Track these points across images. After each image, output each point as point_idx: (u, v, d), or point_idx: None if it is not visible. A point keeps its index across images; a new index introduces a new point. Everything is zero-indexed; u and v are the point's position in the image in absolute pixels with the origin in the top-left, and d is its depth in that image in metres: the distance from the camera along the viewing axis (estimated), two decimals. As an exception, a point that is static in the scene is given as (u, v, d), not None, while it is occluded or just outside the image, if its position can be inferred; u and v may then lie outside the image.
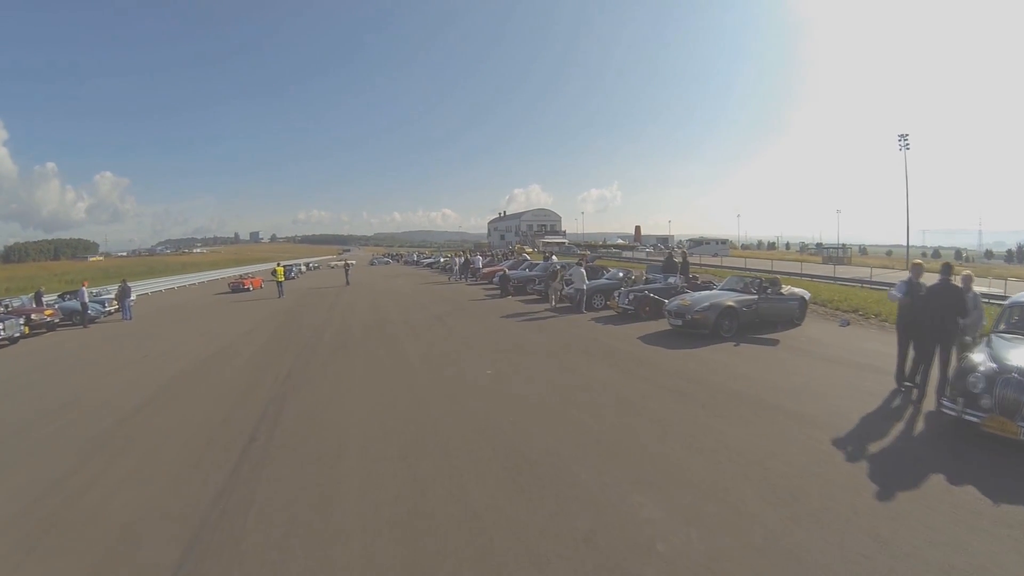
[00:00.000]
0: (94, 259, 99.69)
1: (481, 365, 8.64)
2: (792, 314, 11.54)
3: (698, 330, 10.35)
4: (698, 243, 77.87)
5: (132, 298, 20.33)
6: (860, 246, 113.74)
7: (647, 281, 15.19)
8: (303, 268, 51.20)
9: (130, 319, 19.23)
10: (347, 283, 27.99)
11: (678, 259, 16.52)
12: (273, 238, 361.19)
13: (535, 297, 17.93)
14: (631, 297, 13.06)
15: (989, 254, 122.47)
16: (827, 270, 30.82)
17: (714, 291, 11.76)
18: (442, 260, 45.45)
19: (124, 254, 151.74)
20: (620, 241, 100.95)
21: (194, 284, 40.60)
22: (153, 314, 21.01)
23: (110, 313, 20.11)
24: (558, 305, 15.39)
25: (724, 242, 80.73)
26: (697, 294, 11.63)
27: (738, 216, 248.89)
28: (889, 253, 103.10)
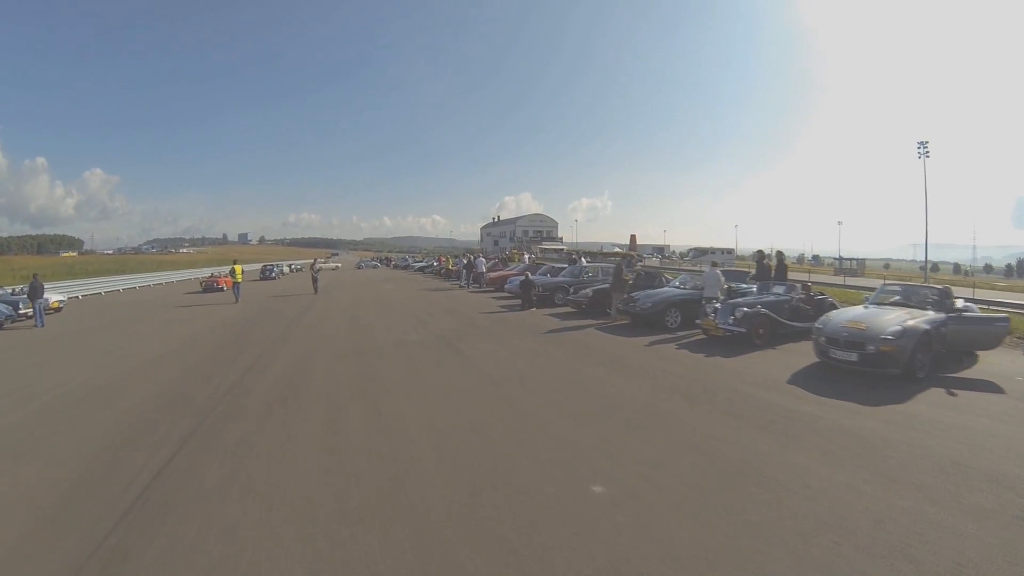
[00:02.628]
0: (66, 255, 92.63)
1: (562, 458, 4.31)
2: (991, 341, 7.57)
3: (885, 369, 6.38)
4: (702, 252, 74.42)
5: (46, 299, 15.95)
6: (855, 259, 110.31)
7: (730, 292, 11.26)
8: (285, 269, 46.59)
9: (42, 325, 14.90)
10: (315, 291, 22.14)
11: (771, 262, 12.48)
12: (262, 240, 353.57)
13: (568, 310, 13.88)
14: (739, 315, 9.05)
15: (988, 268, 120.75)
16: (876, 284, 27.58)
17: (886, 309, 7.66)
18: (435, 264, 41.43)
19: (110, 252, 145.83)
20: (617, 249, 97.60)
21: (161, 284, 36.71)
22: (80, 319, 16.66)
23: (28, 316, 15.76)
24: (619, 321, 11.44)
25: (730, 252, 77.15)
26: (869, 311, 7.57)
27: (735, 227, 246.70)
28: (886, 266, 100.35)
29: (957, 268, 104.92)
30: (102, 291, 28.33)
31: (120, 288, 30.52)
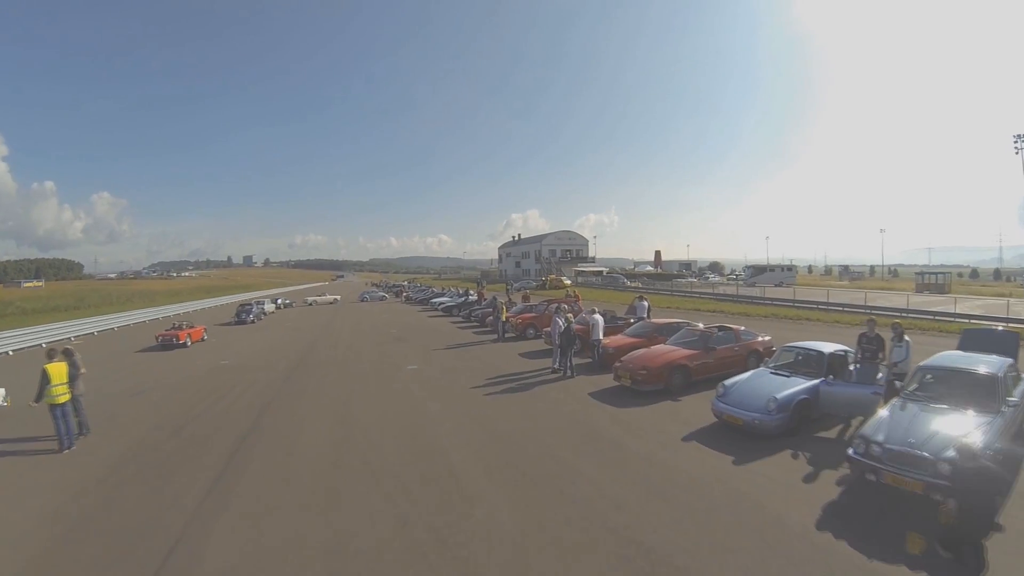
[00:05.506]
0: (29, 285, 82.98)
1: None
2: None
3: None
4: (760, 270, 64.03)
5: None
6: (869, 266, 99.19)
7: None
8: (268, 307, 36.19)
9: None
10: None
11: None
12: (267, 262, 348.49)
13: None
14: None
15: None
16: None
17: None
18: (471, 298, 29.85)
19: (113, 275, 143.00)
20: (649, 269, 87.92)
21: (112, 330, 28.21)
22: None
23: None
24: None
25: (791, 268, 66.68)
26: None
27: (767, 238, 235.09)
28: (920, 275, 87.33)
29: (976, 272, 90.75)
30: (9, 350, 20.44)
31: (44, 343, 21.78)
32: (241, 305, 31.83)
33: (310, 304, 44.18)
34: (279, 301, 42.66)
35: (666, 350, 10.28)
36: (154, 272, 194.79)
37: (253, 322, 29.24)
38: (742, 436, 7.33)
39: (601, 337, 12.11)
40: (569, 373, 11.35)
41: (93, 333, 26.71)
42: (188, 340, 20.41)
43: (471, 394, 10.53)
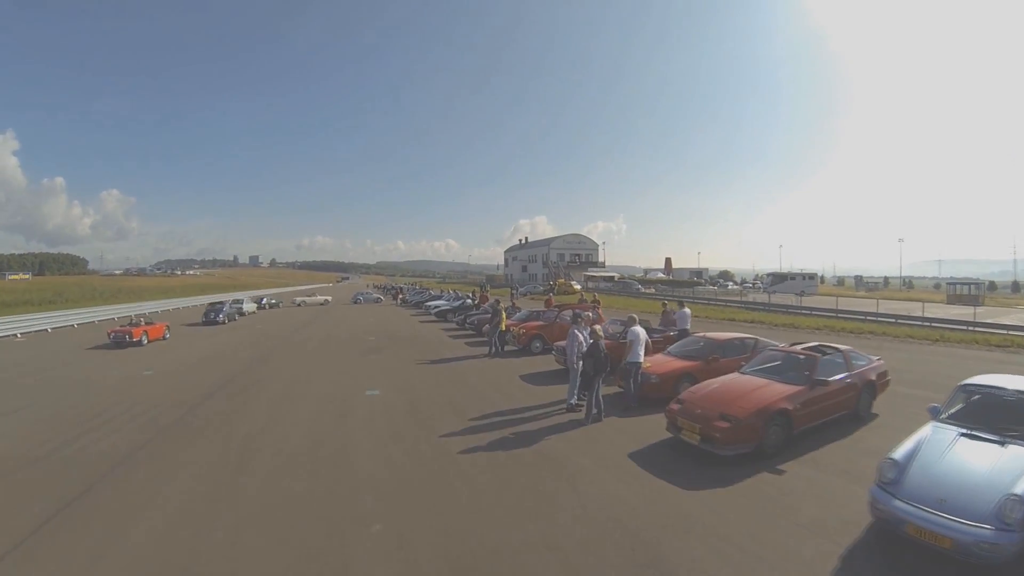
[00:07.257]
0: (14, 277, 79.65)
1: None
2: None
3: None
4: (781, 278, 59.99)
5: None
6: (884, 277, 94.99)
7: None
8: (248, 307, 32.59)
9: None
10: None
11: None
12: (273, 263, 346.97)
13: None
14: None
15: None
16: None
17: None
18: (470, 301, 26.20)
19: (119, 272, 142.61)
20: (660, 275, 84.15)
21: (73, 327, 26.08)
22: None
23: None
24: None
25: (812, 277, 62.38)
26: None
27: (780, 246, 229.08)
28: (938, 286, 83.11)
29: (992, 285, 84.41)
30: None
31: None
32: (211, 304, 28.57)
33: (298, 304, 40.77)
34: (263, 300, 39.16)
35: (753, 385, 6.48)
36: (159, 269, 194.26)
37: (224, 322, 26.03)
38: (942, 565, 3.70)
39: (641, 359, 8.19)
40: (595, 412, 7.50)
41: (47, 330, 24.56)
42: (144, 338, 18.97)
43: (440, 451, 6.64)
